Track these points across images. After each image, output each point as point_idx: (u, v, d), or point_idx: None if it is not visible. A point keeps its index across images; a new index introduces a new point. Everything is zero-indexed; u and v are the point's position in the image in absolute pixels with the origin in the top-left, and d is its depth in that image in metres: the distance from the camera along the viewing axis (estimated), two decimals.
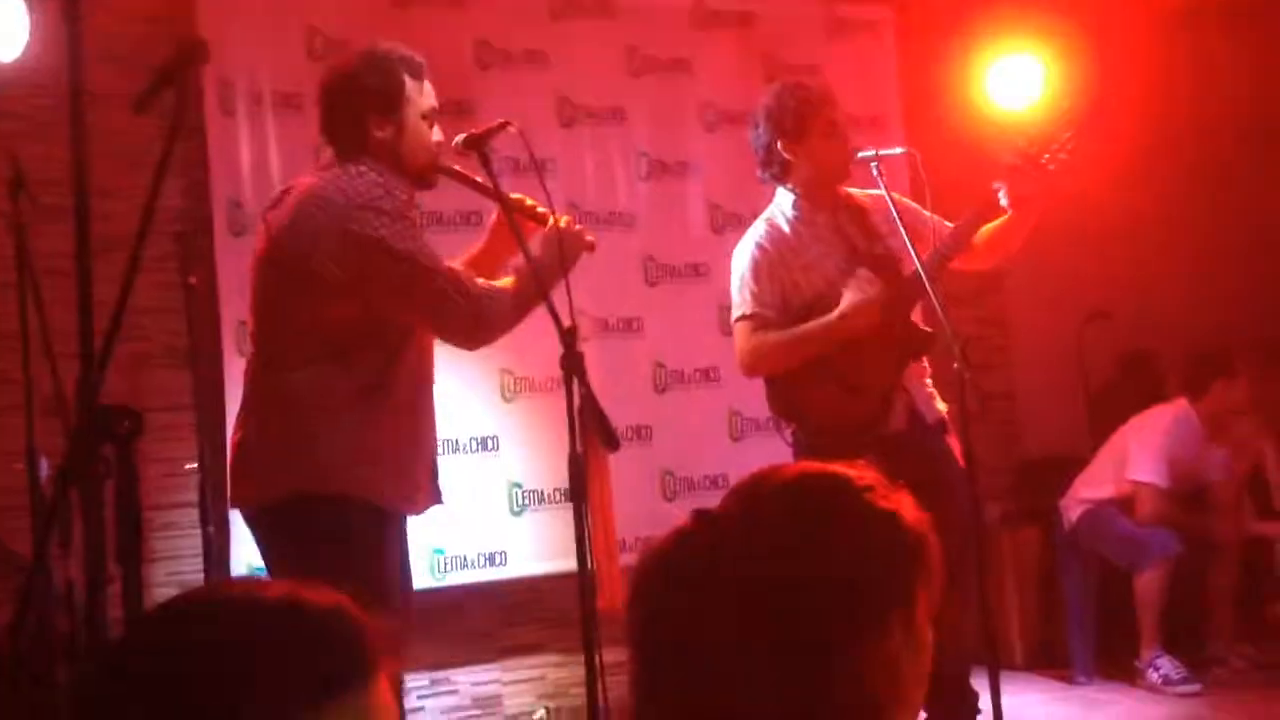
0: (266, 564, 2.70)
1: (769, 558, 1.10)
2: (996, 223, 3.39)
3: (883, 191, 3.27)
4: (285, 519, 2.59)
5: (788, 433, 3.45)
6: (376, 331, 2.62)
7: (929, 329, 3.44)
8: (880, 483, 1.17)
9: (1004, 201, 3.33)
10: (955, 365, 3.02)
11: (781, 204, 3.50)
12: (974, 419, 3.05)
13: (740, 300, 3.44)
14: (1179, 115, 4.97)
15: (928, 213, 3.30)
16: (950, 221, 3.40)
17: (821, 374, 3.37)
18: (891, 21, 5.02)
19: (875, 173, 3.30)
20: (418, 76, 2.68)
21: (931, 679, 1.18)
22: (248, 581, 0.91)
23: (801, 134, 3.39)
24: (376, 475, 2.62)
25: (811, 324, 3.35)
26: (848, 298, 3.32)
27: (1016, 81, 4.86)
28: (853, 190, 3.52)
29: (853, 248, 3.44)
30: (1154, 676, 4.35)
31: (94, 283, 1.88)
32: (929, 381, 3.49)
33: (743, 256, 3.46)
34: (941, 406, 3.45)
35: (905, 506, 1.16)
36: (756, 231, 3.49)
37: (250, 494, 2.67)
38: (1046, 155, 3.30)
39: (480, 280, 2.65)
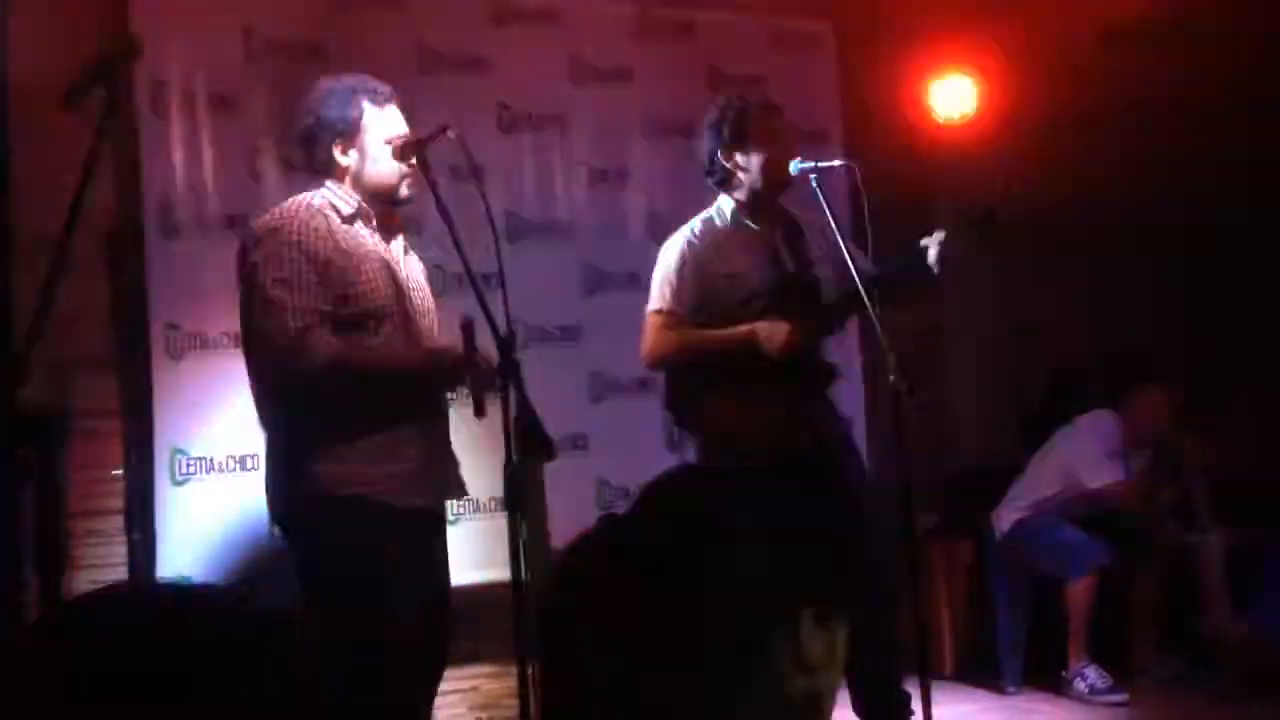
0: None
1: (659, 555, 1.13)
2: (913, 278, 3.39)
3: (823, 205, 3.29)
4: None
5: (690, 451, 3.48)
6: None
7: (833, 363, 3.52)
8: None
9: (931, 257, 3.34)
10: (891, 378, 3.05)
11: (721, 208, 3.55)
12: (907, 431, 3.08)
13: (658, 294, 3.50)
14: (1110, 131, 5.06)
15: (844, 246, 3.30)
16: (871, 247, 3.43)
17: (723, 387, 3.40)
18: (832, 36, 5.06)
19: (814, 185, 3.33)
20: (380, 104, 2.83)
21: (858, 682, 1.20)
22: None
23: (741, 143, 3.47)
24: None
25: (721, 331, 3.40)
26: (766, 322, 3.37)
27: (955, 96, 4.93)
28: (794, 211, 3.57)
29: (780, 266, 3.50)
30: (1080, 686, 4.41)
31: (16, 284, 1.84)
32: (831, 391, 3.56)
33: (671, 251, 3.52)
34: (838, 425, 3.55)
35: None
36: (691, 228, 3.55)
37: None
38: (985, 226, 3.34)
39: (321, 336, 2.67)
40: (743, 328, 3.38)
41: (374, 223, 2.85)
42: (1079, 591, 4.44)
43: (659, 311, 3.47)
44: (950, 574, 4.81)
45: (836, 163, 3.56)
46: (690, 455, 3.50)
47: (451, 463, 2.93)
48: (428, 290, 2.99)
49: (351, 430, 2.74)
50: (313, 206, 2.80)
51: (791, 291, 3.47)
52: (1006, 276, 5.05)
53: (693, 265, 3.47)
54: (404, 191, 2.83)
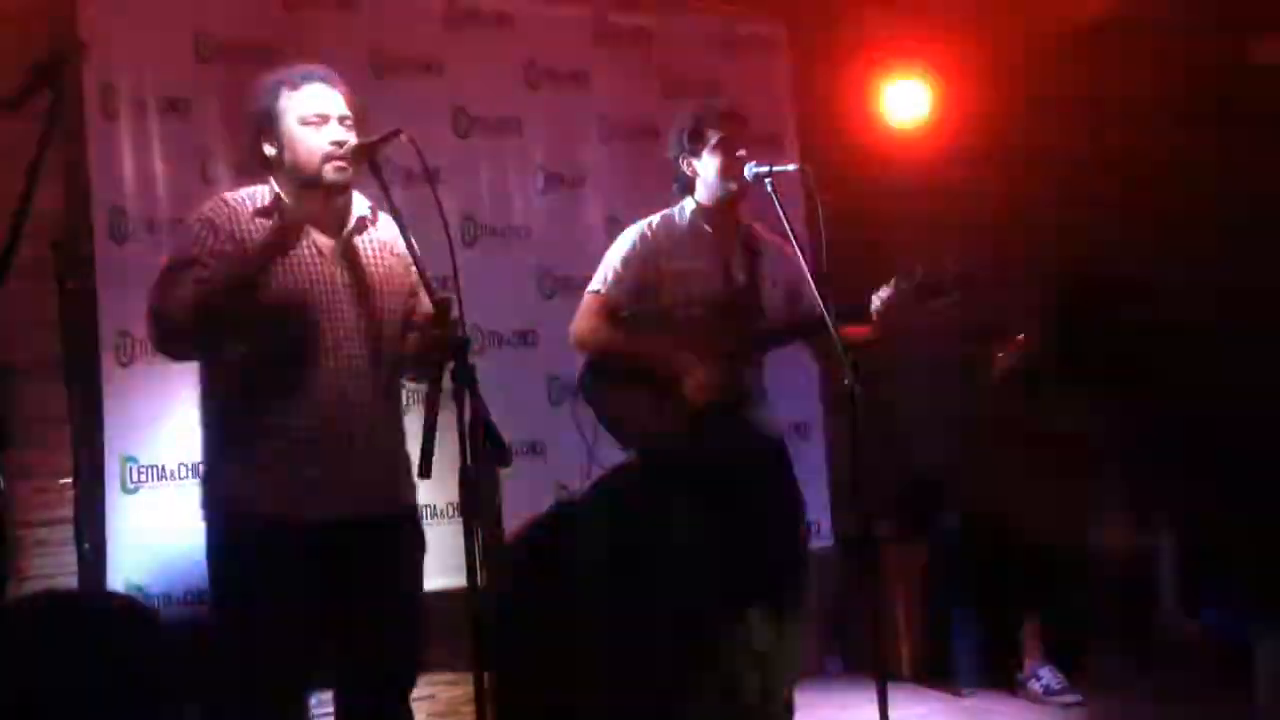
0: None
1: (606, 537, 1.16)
2: (852, 330, 3.40)
3: (778, 209, 3.31)
4: None
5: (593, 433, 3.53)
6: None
7: (748, 386, 3.56)
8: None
9: (874, 305, 3.42)
10: (845, 381, 3.08)
11: (684, 207, 3.62)
12: (860, 434, 3.11)
13: (600, 276, 3.58)
14: (1068, 136, 5.11)
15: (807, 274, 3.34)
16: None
17: (637, 381, 3.48)
18: (785, 39, 5.08)
19: (769, 189, 3.36)
20: (296, 86, 2.76)
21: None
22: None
23: (696, 150, 3.55)
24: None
25: (647, 346, 3.49)
26: (692, 362, 3.43)
27: (908, 100, 4.96)
28: (761, 231, 3.61)
29: (729, 279, 3.56)
30: (1035, 687, 4.45)
31: None
32: (765, 400, 3.61)
33: (625, 239, 3.60)
34: (770, 434, 3.58)
35: None
36: (650, 221, 3.62)
37: None
38: (930, 293, 3.40)
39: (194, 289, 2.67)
40: (668, 351, 3.46)
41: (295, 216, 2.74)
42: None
43: (596, 293, 3.56)
44: (906, 576, 4.84)
45: (790, 167, 3.59)
46: (592, 437, 3.53)
47: (383, 469, 2.80)
48: (383, 286, 2.82)
49: (235, 445, 2.73)
50: (226, 201, 2.78)
51: (732, 308, 3.54)
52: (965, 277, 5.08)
53: (641, 256, 3.54)
54: (330, 175, 2.71)
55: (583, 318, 3.58)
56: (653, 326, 3.52)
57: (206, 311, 2.65)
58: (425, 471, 2.50)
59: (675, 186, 3.64)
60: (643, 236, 3.58)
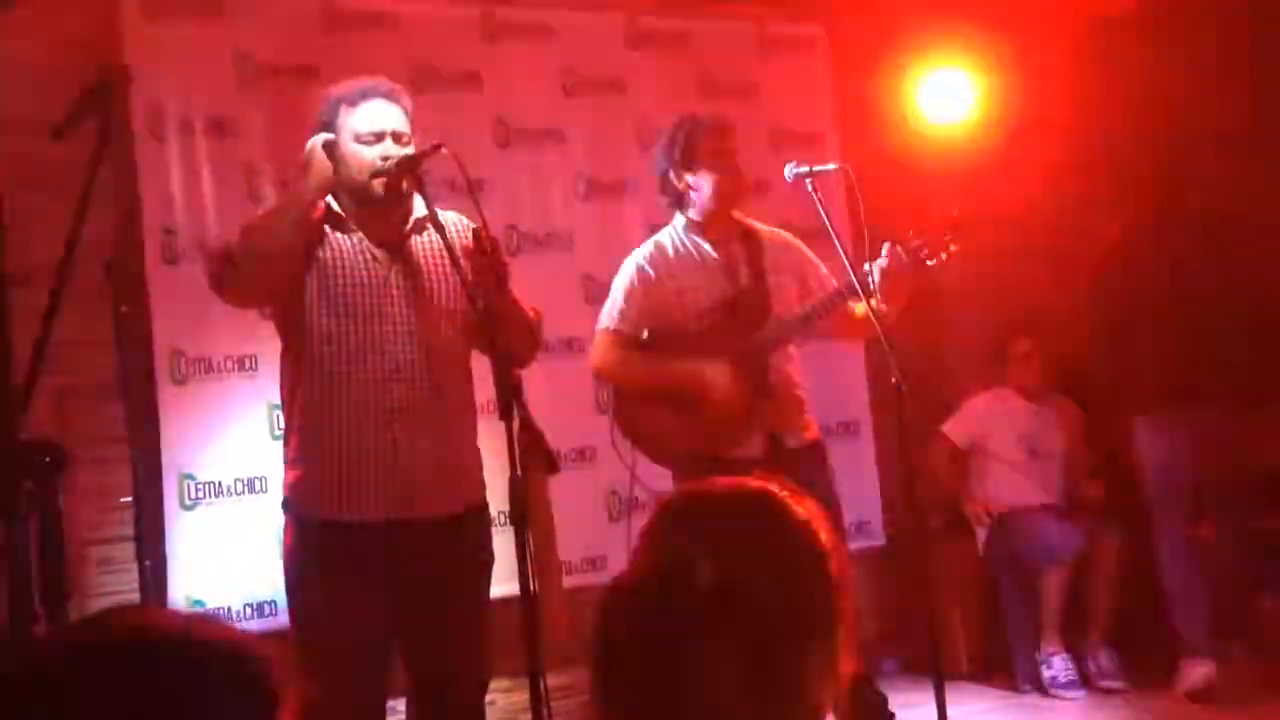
0: None
1: (723, 583, 1.14)
2: (864, 305, 3.35)
3: (819, 209, 3.30)
4: None
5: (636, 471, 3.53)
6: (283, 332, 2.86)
7: (778, 379, 3.53)
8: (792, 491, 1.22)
9: (874, 277, 3.32)
10: (893, 379, 3.06)
11: (675, 227, 3.62)
12: (909, 429, 3.09)
13: (608, 314, 3.61)
14: (1108, 126, 5.05)
15: (817, 260, 3.40)
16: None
17: (658, 399, 3.50)
18: (824, 39, 5.06)
19: (810, 188, 3.35)
20: (354, 104, 2.82)
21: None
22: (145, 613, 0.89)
23: (690, 163, 3.54)
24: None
25: (670, 367, 3.49)
26: (719, 370, 3.43)
27: (948, 96, 4.93)
28: (756, 224, 3.60)
29: (734, 280, 3.55)
30: (1046, 674, 4.44)
31: (15, 315, 1.84)
32: (804, 403, 3.58)
33: (624, 275, 3.62)
34: (804, 433, 3.54)
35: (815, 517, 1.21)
36: (643, 252, 3.62)
37: None
38: (928, 252, 3.36)
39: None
40: (689, 367, 3.46)
41: (349, 225, 2.81)
42: (1051, 581, 4.47)
43: (608, 330, 3.60)
44: (960, 573, 4.80)
45: (831, 165, 3.58)
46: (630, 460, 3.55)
47: (437, 469, 2.79)
48: (439, 285, 2.84)
49: (293, 449, 2.80)
50: None
51: (744, 306, 3.53)
52: (1007, 271, 5.04)
53: (641, 288, 3.56)
54: (378, 190, 2.77)
55: (599, 353, 3.63)
56: (671, 342, 3.53)
57: (255, 234, 2.75)
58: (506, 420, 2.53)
59: (664, 201, 3.63)
60: (639, 269, 3.58)
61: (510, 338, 2.71)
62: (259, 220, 2.85)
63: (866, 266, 3.32)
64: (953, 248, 3.37)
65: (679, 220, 3.61)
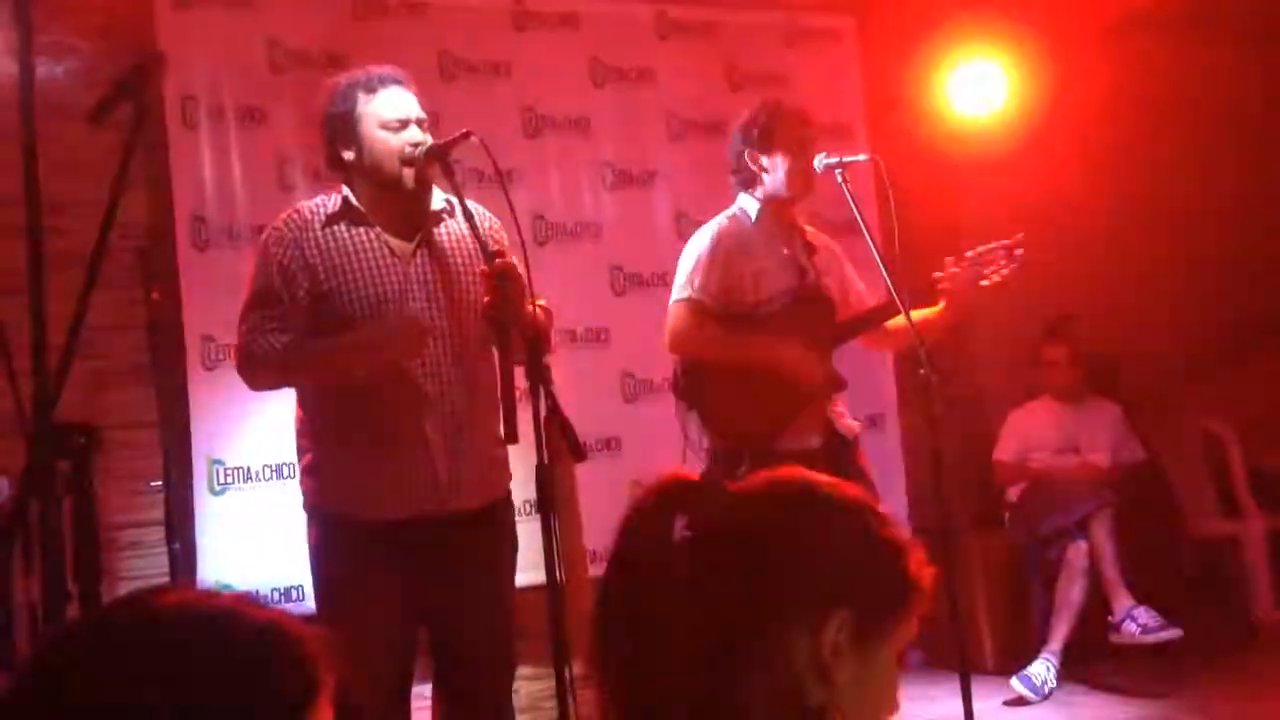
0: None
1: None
2: (925, 312, 3.42)
3: (849, 199, 3.30)
4: None
5: (703, 448, 3.46)
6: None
7: (841, 373, 3.53)
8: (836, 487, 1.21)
9: (942, 285, 3.41)
10: (921, 371, 3.06)
11: (746, 207, 3.56)
12: (939, 424, 3.08)
13: (685, 281, 3.49)
14: (1138, 120, 5.02)
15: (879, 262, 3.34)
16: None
17: (733, 380, 3.42)
18: (854, 30, 5.05)
19: (840, 180, 3.34)
20: (373, 90, 2.77)
21: None
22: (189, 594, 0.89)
23: (768, 147, 3.49)
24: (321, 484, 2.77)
25: (751, 340, 3.42)
26: (797, 349, 3.40)
27: (978, 88, 4.90)
28: (807, 228, 3.60)
29: (801, 273, 3.53)
30: (1131, 627, 4.37)
31: (50, 299, 1.86)
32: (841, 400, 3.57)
33: (701, 240, 3.52)
34: (852, 424, 3.53)
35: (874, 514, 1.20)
36: (720, 221, 3.56)
37: None
38: (988, 270, 3.40)
39: (276, 336, 2.71)
40: (769, 346, 3.40)
41: (367, 219, 2.76)
42: (1097, 539, 4.44)
43: (685, 300, 3.48)
44: (987, 567, 4.79)
45: (861, 156, 3.56)
46: (697, 436, 3.49)
47: (466, 464, 2.76)
48: (462, 276, 2.79)
49: (320, 446, 2.77)
50: (299, 211, 2.79)
51: (808, 298, 3.51)
52: (1036, 268, 5.01)
53: (722, 256, 3.47)
54: (409, 178, 2.73)
55: (676, 324, 3.49)
56: (743, 324, 3.47)
57: (291, 373, 2.75)
58: (511, 436, 2.55)
59: (735, 180, 3.58)
60: (715, 238, 3.51)
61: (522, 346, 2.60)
62: (296, 365, 2.73)
63: (942, 279, 3.41)
64: (1005, 271, 3.41)
65: (749, 202, 3.55)
